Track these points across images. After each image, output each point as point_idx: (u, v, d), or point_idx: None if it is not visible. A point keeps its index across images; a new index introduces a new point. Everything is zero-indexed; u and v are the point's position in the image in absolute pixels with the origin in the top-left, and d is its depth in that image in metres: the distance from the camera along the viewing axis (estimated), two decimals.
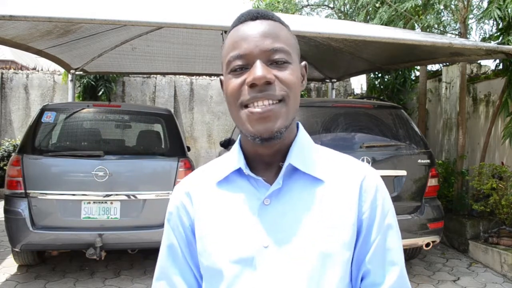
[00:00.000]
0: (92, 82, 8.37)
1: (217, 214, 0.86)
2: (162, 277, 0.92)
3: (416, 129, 4.31)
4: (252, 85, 0.78)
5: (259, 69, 0.77)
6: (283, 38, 0.81)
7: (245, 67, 0.80)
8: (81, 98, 8.41)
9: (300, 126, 0.90)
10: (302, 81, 0.87)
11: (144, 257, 4.61)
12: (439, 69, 6.77)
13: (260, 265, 0.80)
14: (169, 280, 0.91)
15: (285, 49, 0.80)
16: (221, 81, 0.89)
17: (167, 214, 0.94)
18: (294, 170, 0.84)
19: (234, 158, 0.88)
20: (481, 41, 5.48)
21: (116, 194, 3.88)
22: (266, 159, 0.85)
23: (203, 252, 0.86)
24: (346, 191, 0.84)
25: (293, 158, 0.83)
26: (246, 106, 0.79)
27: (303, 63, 0.89)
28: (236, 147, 0.89)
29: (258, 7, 8.64)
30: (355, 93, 9.91)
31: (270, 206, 0.82)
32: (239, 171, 0.86)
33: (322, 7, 9.53)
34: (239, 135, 0.90)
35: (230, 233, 0.83)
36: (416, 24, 6.28)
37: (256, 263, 0.80)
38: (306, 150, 0.87)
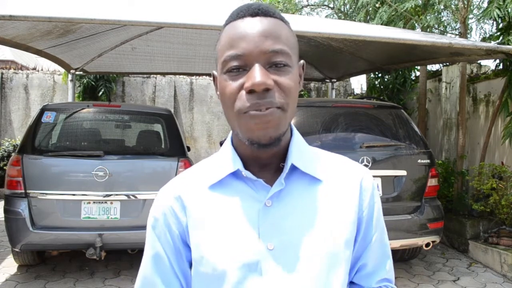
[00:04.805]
0: (92, 82, 8.37)
1: (214, 219, 0.82)
2: None
3: (416, 129, 4.31)
4: (250, 91, 0.73)
5: (258, 74, 0.72)
6: (284, 38, 0.77)
7: (243, 68, 0.75)
8: (81, 98, 8.41)
9: (293, 127, 0.87)
10: (299, 82, 0.83)
11: None
12: (439, 69, 6.77)
13: (265, 269, 0.78)
14: None
15: (285, 51, 0.76)
16: (213, 76, 0.85)
17: (151, 220, 0.87)
18: (293, 170, 0.82)
19: (228, 159, 0.84)
20: (481, 41, 5.48)
21: (116, 194, 3.88)
22: (263, 161, 0.83)
23: (201, 260, 0.81)
24: (346, 190, 0.85)
25: (294, 158, 0.82)
26: (244, 112, 0.75)
27: (301, 62, 0.85)
28: (228, 148, 0.85)
29: None
30: (355, 93, 9.91)
31: (272, 207, 0.80)
32: (234, 173, 0.82)
33: (322, 7, 9.54)
34: (230, 135, 0.87)
35: (231, 238, 0.80)
36: (416, 24, 6.28)
37: (262, 267, 0.78)
38: (303, 151, 0.85)
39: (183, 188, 0.86)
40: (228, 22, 0.80)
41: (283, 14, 0.85)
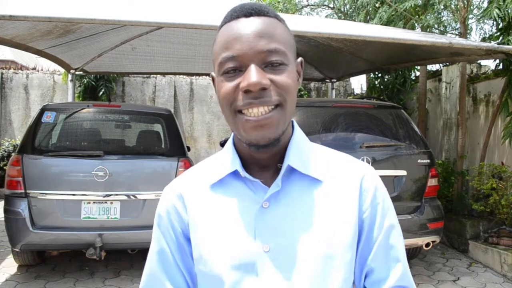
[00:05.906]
0: (92, 82, 8.37)
1: (214, 219, 0.82)
2: (151, 284, 0.87)
3: (416, 129, 4.32)
4: (246, 91, 0.73)
5: (253, 75, 0.72)
6: (279, 37, 0.76)
7: (239, 69, 0.75)
8: (81, 98, 8.41)
9: (295, 124, 0.86)
10: (297, 79, 0.82)
11: (144, 257, 4.60)
12: (439, 69, 6.77)
13: (261, 270, 0.77)
14: (159, 287, 0.86)
15: (281, 50, 0.75)
16: (212, 78, 0.84)
17: (156, 217, 0.89)
18: (292, 171, 0.81)
19: (228, 159, 0.84)
20: (481, 41, 5.48)
21: (116, 194, 3.88)
22: (262, 161, 0.82)
23: (200, 259, 0.82)
24: (346, 191, 0.82)
25: (292, 159, 0.80)
26: (240, 112, 0.75)
27: (299, 59, 0.84)
28: (229, 148, 0.85)
29: None
30: (355, 93, 9.90)
31: (269, 209, 0.79)
32: (234, 173, 0.82)
33: (322, 7, 9.54)
34: (232, 135, 0.87)
35: (229, 239, 0.80)
36: (416, 24, 6.28)
37: (258, 268, 0.78)
38: (303, 150, 0.84)
39: (185, 187, 0.88)
40: (223, 23, 0.80)
41: (282, 14, 0.85)
